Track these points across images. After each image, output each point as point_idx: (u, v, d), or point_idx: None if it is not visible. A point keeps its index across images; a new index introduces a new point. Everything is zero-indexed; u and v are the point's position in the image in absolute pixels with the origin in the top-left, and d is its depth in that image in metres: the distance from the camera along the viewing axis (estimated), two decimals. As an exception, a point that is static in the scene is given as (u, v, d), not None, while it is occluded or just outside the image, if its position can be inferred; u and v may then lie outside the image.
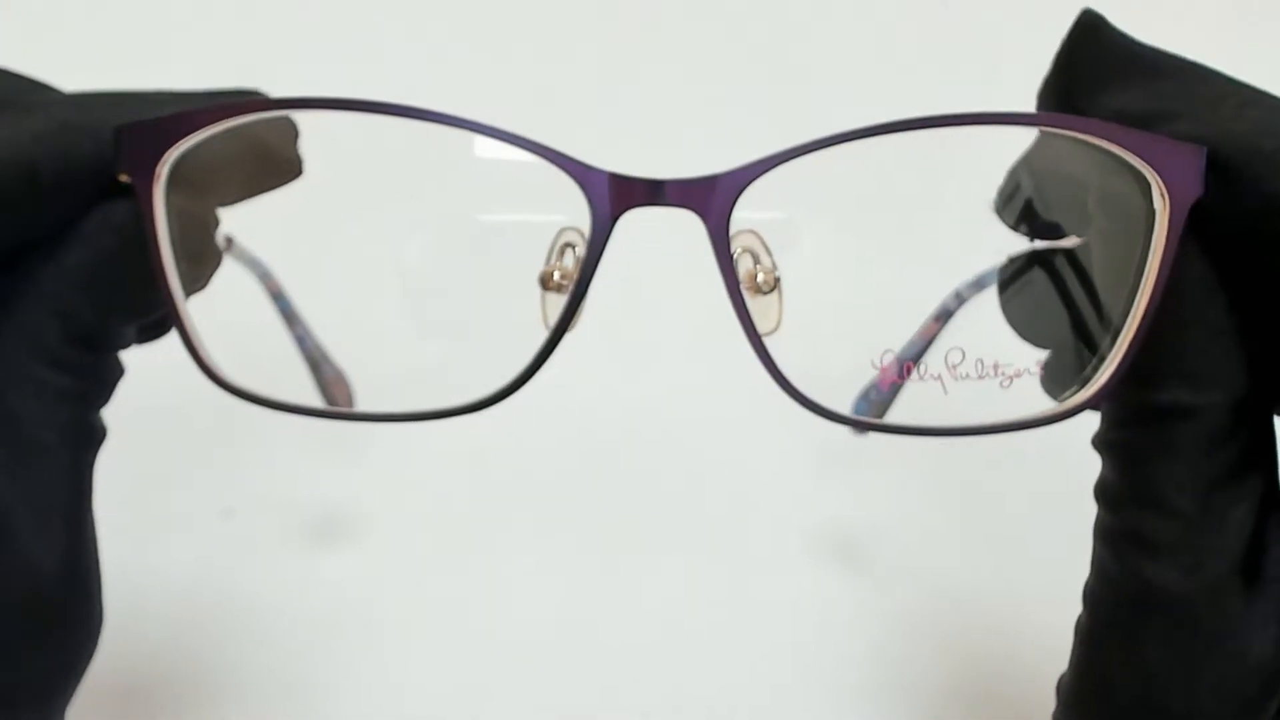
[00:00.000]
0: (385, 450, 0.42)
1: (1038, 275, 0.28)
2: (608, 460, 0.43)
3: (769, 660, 0.37)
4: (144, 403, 0.27)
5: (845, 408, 0.23)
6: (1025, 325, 0.28)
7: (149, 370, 0.25)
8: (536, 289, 0.24)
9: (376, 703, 0.36)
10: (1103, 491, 0.24)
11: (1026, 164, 0.26)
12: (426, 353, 0.26)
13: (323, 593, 0.38)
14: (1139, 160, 0.22)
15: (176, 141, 0.22)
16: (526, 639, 0.37)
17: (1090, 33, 0.24)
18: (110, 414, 0.24)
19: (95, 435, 0.23)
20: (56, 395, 0.22)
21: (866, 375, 0.26)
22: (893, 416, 0.27)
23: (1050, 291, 0.27)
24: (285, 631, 0.37)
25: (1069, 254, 0.27)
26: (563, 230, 0.24)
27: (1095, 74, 0.24)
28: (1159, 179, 0.22)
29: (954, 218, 0.29)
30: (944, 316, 0.33)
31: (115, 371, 0.24)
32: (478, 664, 0.37)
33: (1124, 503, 0.23)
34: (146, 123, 0.22)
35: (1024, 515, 0.41)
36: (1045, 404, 0.25)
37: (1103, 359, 0.23)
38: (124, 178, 0.22)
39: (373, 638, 0.37)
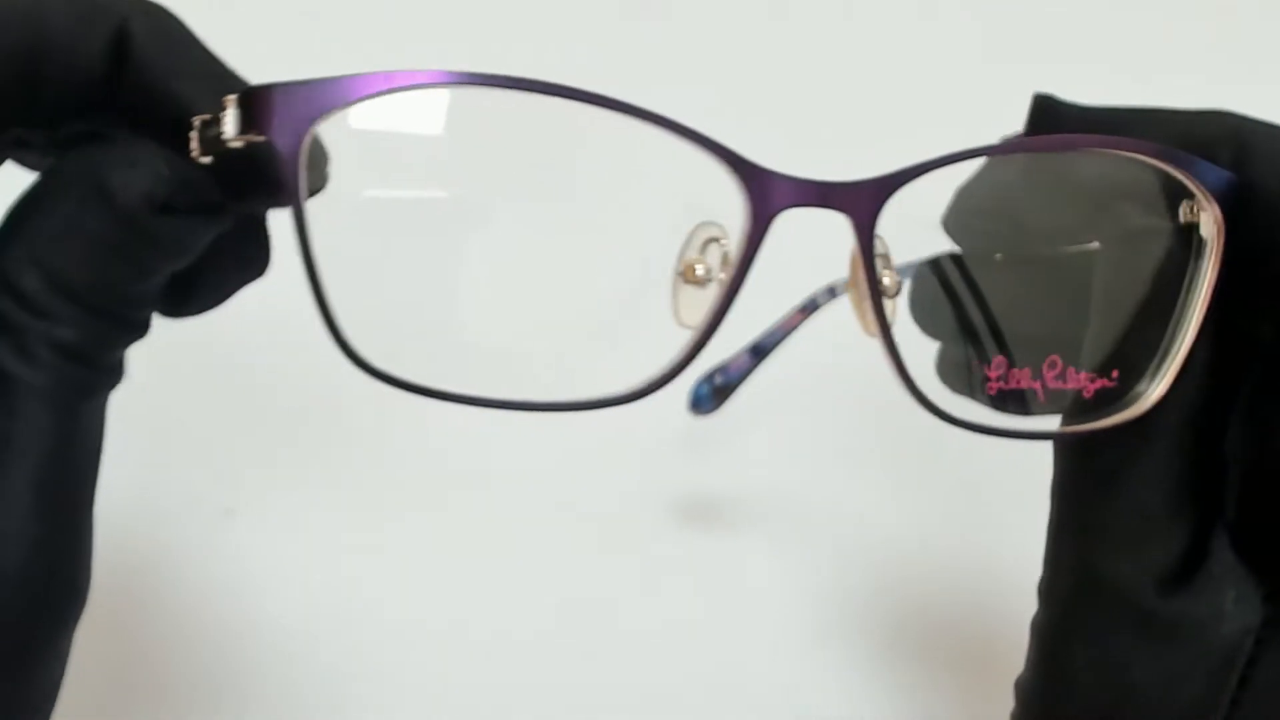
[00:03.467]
0: (389, 450, 0.40)
1: (949, 277, 0.28)
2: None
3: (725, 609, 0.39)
4: (145, 396, 0.25)
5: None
6: (926, 318, 0.28)
7: (152, 361, 0.23)
8: (668, 282, 0.24)
9: (376, 701, 0.35)
10: (1059, 485, 0.24)
11: (999, 183, 0.27)
12: (560, 344, 0.25)
13: (325, 594, 0.37)
14: (1197, 187, 0.23)
15: (331, 110, 0.20)
16: (522, 636, 0.37)
17: (1049, 112, 0.25)
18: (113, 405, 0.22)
19: (85, 386, 0.21)
20: (39, 343, 0.20)
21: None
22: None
23: (963, 294, 0.28)
24: (285, 629, 0.36)
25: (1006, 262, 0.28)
26: (701, 225, 0.24)
27: None
28: (1215, 206, 0.23)
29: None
30: (810, 309, 0.34)
31: (111, 326, 0.21)
32: (477, 663, 0.36)
33: (1080, 496, 0.24)
34: (301, 85, 0.20)
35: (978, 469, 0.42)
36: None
37: (1140, 376, 0.23)
38: (256, 138, 0.20)
39: (373, 637, 0.36)
